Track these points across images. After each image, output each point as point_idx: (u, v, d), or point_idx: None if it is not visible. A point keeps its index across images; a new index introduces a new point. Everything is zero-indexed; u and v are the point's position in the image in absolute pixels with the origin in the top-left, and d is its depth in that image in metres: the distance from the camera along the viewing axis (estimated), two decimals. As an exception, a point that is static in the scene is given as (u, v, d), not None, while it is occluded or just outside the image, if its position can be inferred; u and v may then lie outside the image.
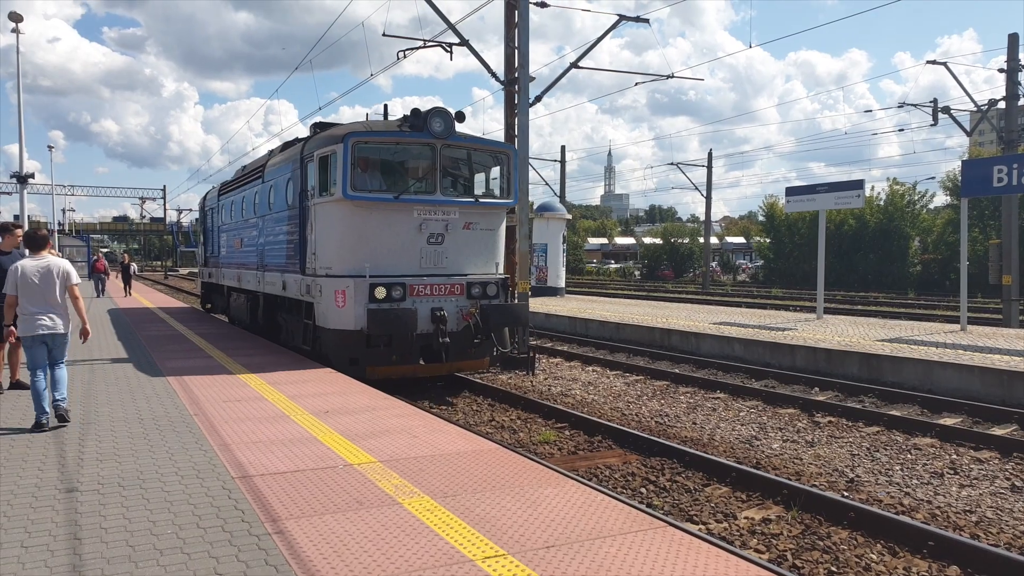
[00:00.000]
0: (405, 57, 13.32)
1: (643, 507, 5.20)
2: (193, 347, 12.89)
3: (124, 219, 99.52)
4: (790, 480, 7.20)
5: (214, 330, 15.80)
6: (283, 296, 12.78)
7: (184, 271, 76.20)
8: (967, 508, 6.76)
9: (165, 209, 77.81)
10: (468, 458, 5.93)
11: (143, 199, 76.59)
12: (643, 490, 7.23)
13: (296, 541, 4.18)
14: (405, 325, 10.05)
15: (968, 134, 22.24)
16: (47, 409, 6.79)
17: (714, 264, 64.99)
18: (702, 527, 6.23)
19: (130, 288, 29.90)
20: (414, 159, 11.17)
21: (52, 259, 7.05)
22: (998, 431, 9.26)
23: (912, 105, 21.61)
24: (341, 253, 10.57)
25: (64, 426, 6.92)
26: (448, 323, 10.57)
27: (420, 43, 13.29)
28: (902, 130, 27.50)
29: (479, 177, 11.76)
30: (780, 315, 21.76)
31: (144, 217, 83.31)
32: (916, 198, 46.98)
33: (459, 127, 11.08)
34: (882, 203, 47.33)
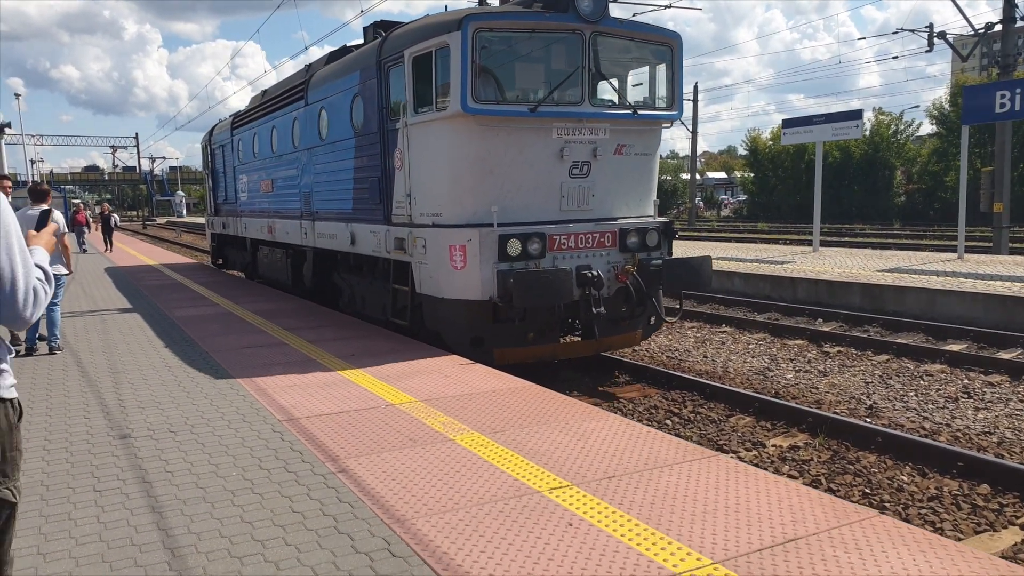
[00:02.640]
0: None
1: (704, 444, 5.32)
2: (240, 323, 10.25)
3: (95, 169, 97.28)
4: (812, 408, 7.38)
5: (254, 297, 12.22)
6: (349, 253, 10.17)
7: (161, 220, 74.99)
8: (986, 430, 6.98)
9: (139, 158, 76.15)
10: (504, 395, 6.00)
11: (114, 148, 74.72)
12: (668, 422, 7.38)
13: (362, 478, 4.24)
14: (557, 292, 7.26)
15: (964, 59, 22.09)
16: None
17: (697, 200, 64.99)
18: (733, 455, 6.40)
19: (111, 242, 27.09)
20: (553, 54, 8.15)
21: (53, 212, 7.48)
22: (1005, 355, 9.52)
23: (909, 31, 21.38)
24: (456, 193, 7.75)
25: (56, 355, 7.98)
26: (602, 287, 7.87)
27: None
28: (896, 57, 27.33)
29: (630, 78, 8.77)
30: (774, 249, 21.93)
31: (116, 167, 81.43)
32: (902, 128, 46.93)
33: (613, 7, 8.09)
34: (867, 134, 47.26)
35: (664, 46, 8.55)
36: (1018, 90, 14.29)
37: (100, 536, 3.59)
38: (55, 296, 7.50)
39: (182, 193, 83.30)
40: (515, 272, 7.25)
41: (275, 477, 4.30)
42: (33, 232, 2.65)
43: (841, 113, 17.13)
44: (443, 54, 7.51)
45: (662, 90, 8.68)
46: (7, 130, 30.90)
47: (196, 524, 3.70)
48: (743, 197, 62.99)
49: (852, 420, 6.93)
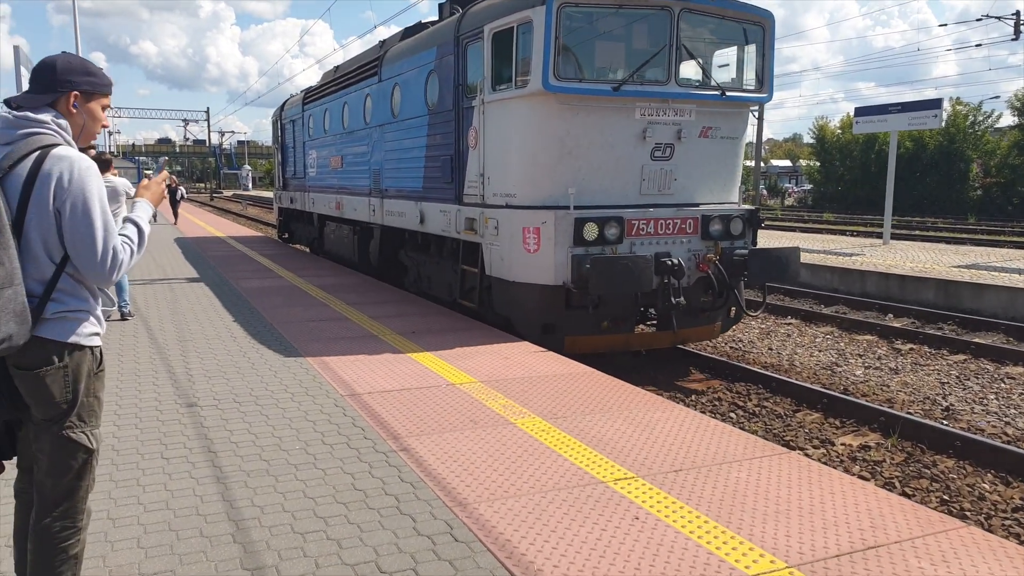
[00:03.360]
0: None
1: (769, 439, 5.14)
2: (304, 296, 10.31)
3: (167, 141, 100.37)
4: (884, 407, 7.08)
5: (319, 271, 12.36)
6: (417, 231, 10.12)
7: (228, 193, 76.98)
8: (1073, 438, 6.59)
9: (209, 132, 78.07)
10: (565, 380, 5.90)
11: (186, 121, 76.85)
12: (732, 415, 7.19)
13: (423, 458, 4.21)
14: (635, 280, 6.94)
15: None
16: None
17: (761, 188, 63.41)
18: (799, 452, 6.18)
19: (177, 214, 27.09)
20: (638, 31, 7.83)
21: (116, 179, 8.10)
22: (1092, 361, 8.97)
23: (995, 17, 20.21)
24: (532, 173, 7.53)
25: (127, 320, 8.21)
26: (682, 276, 7.56)
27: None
28: (979, 45, 25.86)
29: (717, 58, 8.39)
30: (841, 240, 21.19)
31: (187, 140, 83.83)
32: (980, 119, 44.73)
33: None
34: (943, 124, 45.25)
35: (756, 25, 8.15)
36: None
37: (167, 504, 3.64)
38: None
39: (248, 167, 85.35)
40: (591, 257, 7.02)
41: (337, 453, 4.31)
42: (145, 182, 2.69)
43: (918, 102, 16.34)
44: (525, 29, 7.29)
45: (751, 71, 8.30)
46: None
47: (259, 497, 3.72)
48: (808, 186, 61.18)
49: (928, 421, 6.62)
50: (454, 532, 3.37)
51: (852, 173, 48.55)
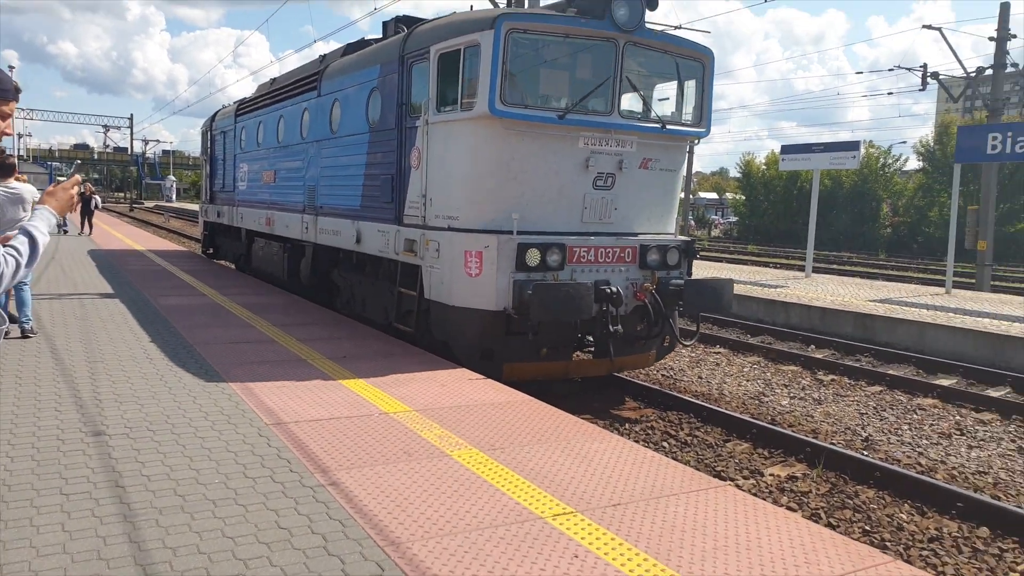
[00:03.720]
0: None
1: (701, 470, 5.15)
2: (229, 316, 10.20)
3: (85, 147, 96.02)
4: (809, 438, 7.25)
5: (245, 289, 11.94)
6: (353, 251, 9.84)
7: (150, 204, 73.99)
8: (980, 469, 6.88)
9: (132, 139, 75.00)
10: (503, 409, 5.79)
11: (107, 127, 73.61)
12: (665, 444, 7.22)
13: (354, 493, 4.02)
14: (576, 307, 6.92)
15: (955, 100, 22.29)
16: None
17: (689, 218, 65.20)
18: (731, 483, 6.24)
19: (91, 225, 24.65)
20: (584, 61, 7.89)
21: (21, 185, 7.51)
22: (994, 393, 9.46)
23: (905, 68, 21.54)
24: (475, 197, 7.47)
25: (29, 339, 7.60)
26: (620, 304, 7.56)
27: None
28: (890, 93, 27.80)
29: (657, 92, 8.52)
30: (766, 272, 21.91)
31: (107, 147, 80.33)
32: (890, 161, 47.43)
33: (648, 17, 7.80)
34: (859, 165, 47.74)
35: (696, 61, 8.35)
36: (1009, 133, 14.36)
37: (64, 547, 3.32)
38: (25, 279, 7.16)
39: (173, 178, 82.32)
40: (534, 283, 6.96)
41: (260, 487, 4.06)
42: (52, 188, 2.45)
43: (839, 143, 17.16)
44: (472, 52, 7.27)
45: (690, 106, 8.48)
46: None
47: (172, 538, 3.45)
48: (733, 219, 63.31)
49: (850, 452, 6.80)
50: (386, 574, 3.19)
51: (775, 207, 50.52)
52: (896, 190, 47.30)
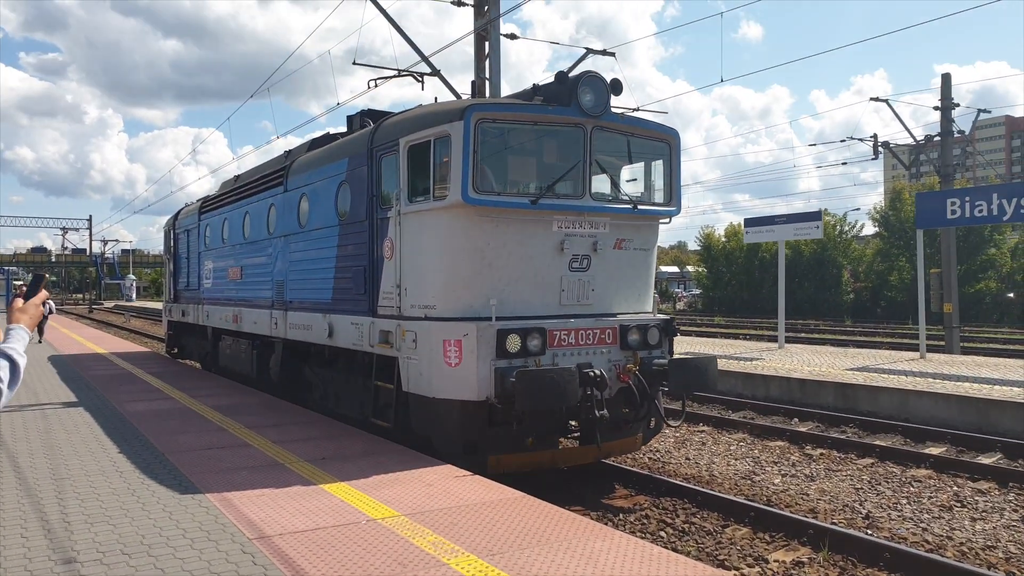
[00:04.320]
0: (377, 86, 12.99)
1: (704, 560, 4.92)
2: (199, 420, 9.88)
3: (42, 250, 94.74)
4: (808, 518, 7.05)
5: (214, 390, 11.49)
6: (325, 345, 9.61)
7: (109, 304, 72.65)
8: (989, 544, 6.72)
9: (91, 240, 74.36)
10: (496, 509, 5.53)
11: (65, 229, 72.97)
12: (662, 534, 6.95)
13: (350, 616, 3.71)
14: (562, 393, 6.70)
15: (907, 167, 23.23)
16: None
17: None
18: (736, 572, 5.99)
19: (42, 330, 22.21)
20: (554, 147, 7.99)
21: None
22: (986, 460, 9.40)
23: (857, 139, 22.49)
24: (452, 285, 7.38)
25: None
26: (604, 387, 7.37)
27: (393, 72, 12.96)
28: (844, 163, 29.08)
29: (626, 173, 8.61)
30: (738, 344, 22.01)
31: (65, 248, 79.38)
32: (847, 229, 48.95)
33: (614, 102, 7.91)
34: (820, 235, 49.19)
35: (663, 142, 8.50)
36: (967, 198, 14.91)
37: None
38: None
39: (133, 277, 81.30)
40: (517, 370, 6.79)
41: (249, 614, 3.74)
42: (20, 302, 2.27)
43: (801, 214, 17.64)
44: (443, 143, 7.31)
45: (659, 185, 8.59)
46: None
47: None
48: (696, 291, 64.25)
49: (856, 533, 6.61)
50: None
51: (737, 279, 51.53)
52: (855, 256, 48.67)
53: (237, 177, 14.64)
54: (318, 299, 9.89)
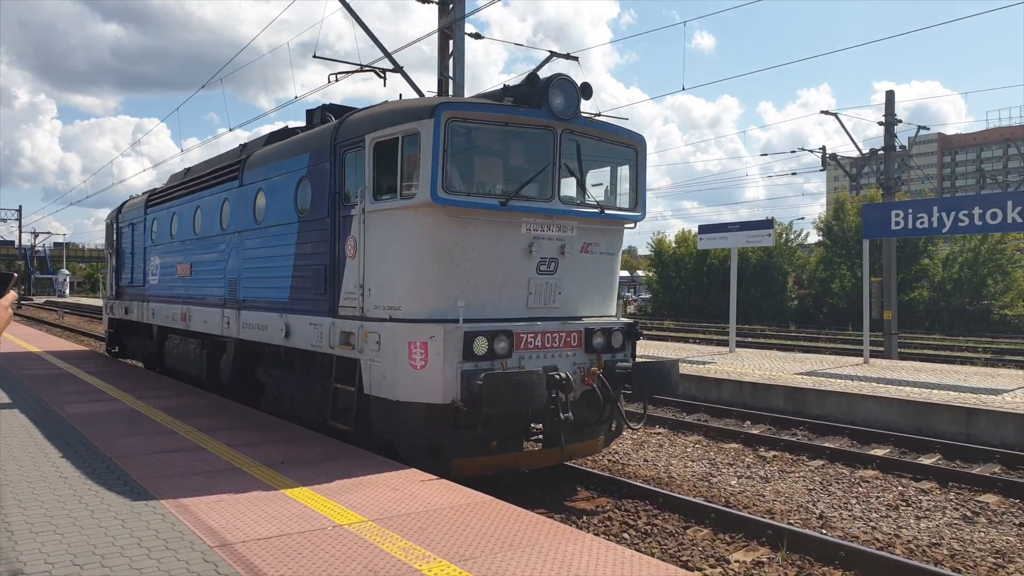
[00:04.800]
0: (337, 80, 12.77)
1: (677, 563, 4.95)
2: (147, 422, 9.39)
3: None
4: (766, 519, 7.18)
5: (160, 391, 11.27)
6: (281, 346, 9.39)
7: (39, 300, 69.68)
8: (934, 541, 6.96)
9: (20, 232, 71.21)
10: (465, 513, 5.47)
11: (-9, 220, 69.68)
12: (626, 535, 6.99)
13: (322, 625, 3.61)
14: (529, 396, 6.72)
15: (852, 179, 24.04)
16: None
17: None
18: (698, 573, 6.05)
19: None
20: (523, 149, 7.94)
21: None
22: (927, 461, 9.75)
23: (808, 150, 23.17)
24: (419, 286, 7.27)
25: None
26: (570, 390, 7.39)
27: (356, 67, 12.76)
28: (794, 173, 30.16)
29: (592, 177, 8.60)
30: (690, 348, 22.37)
31: (-10, 240, 75.87)
32: (792, 237, 50.30)
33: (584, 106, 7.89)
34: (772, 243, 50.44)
35: (630, 148, 8.57)
36: (910, 210, 15.45)
37: None
38: None
39: (66, 271, 78.15)
40: (485, 373, 6.75)
41: (216, 625, 3.60)
42: None
43: (754, 222, 18.05)
44: (411, 141, 7.19)
45: (625, 190, 8.64)
46: None
47: None
48: (647, 296, 65.14)
49: (812, 533, 6.76)
50: None
51: (686, 284, 52.37)
52: (800, 264, 49.99)
53: (187, 170, 14.16)
54: (274, 298, 9.63)
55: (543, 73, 8.07)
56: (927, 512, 7.84)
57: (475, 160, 7.84)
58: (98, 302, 48.59)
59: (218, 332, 11.28)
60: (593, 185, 8.65)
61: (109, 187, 71.99)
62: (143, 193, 16.63)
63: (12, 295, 2.26)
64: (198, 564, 4.36)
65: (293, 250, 9.21)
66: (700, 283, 50.93)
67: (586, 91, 7.85)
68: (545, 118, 7.61)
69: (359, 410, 7.80)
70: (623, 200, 8.70)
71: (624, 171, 8.69)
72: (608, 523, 7.30)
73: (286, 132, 10.90)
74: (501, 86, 8.05)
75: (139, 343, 16.55)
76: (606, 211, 8.25)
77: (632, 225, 8.79)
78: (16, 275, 3.05)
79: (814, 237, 51.66)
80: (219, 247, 11.50)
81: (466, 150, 7.60)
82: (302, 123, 10.80)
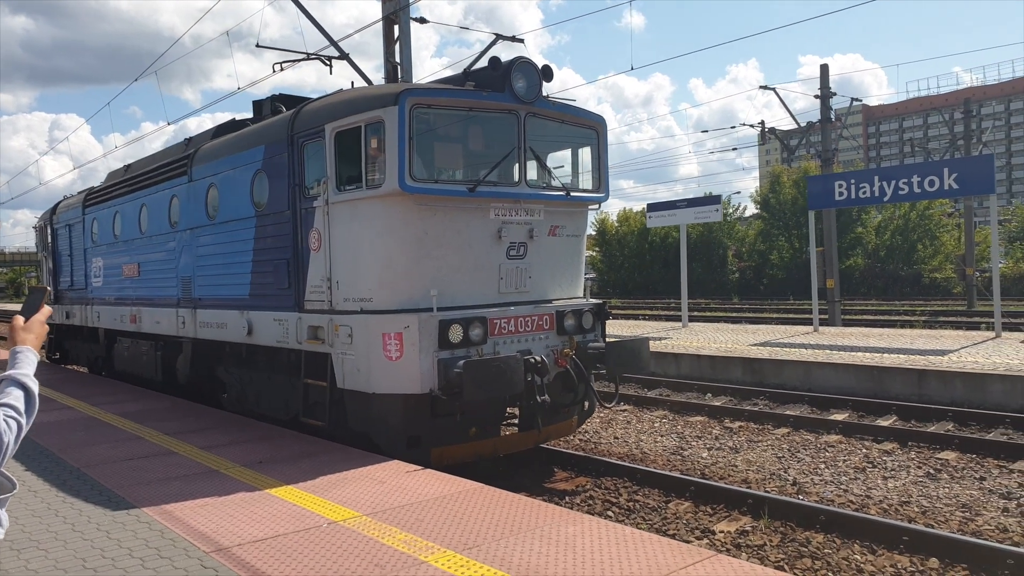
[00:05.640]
0: (283, 69, 12.38)
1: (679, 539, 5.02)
2: (108, 429, 9.38)
3: None
4: (744, 488, 7.38)
5: (115, 396, 11.17)
6: (242, 344, 9.18)
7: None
8: (903, 500, 7.26)
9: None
10: (458, 501, 5.45)
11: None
12: (610, 513, 7.08)
13: (341, 625, 3.55)
14: (509, 381, 6.74)
15: (791, 152, 24.70)
16: None
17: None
18: (696, 543, 6.17)
19: None
20: (488, 134, 7.91)
21: None
22: (884, 423, 10.15)
23: (749, 125, 23.73)
24: (390, 276, 7.18)
25: None
26: (545, 373, 7.41)
27: (302, 55, 12.40)
28: (735, 148, 30.94)
29: (555, 160, 8.59)
30: (642, 325, 22.72)
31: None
32: (731, 211, 51.44)
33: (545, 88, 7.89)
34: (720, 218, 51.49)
35: (591, 129, 8.61)
36: (852, 180, 15.96)
37: None
38: None
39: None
40: (464, 361, 6.72)
41: (230, 633, 3.50)
42: (20, 320, 1.99)
43: (702, 199, 18.38)
44: (375, 129, 7.06)
45: (589, 172, 8.69)
46: None
47: None
48: (592, 275, 65.87)
49: (791, 499, 6.97)
50: None
51: (630, 262, 53.13)
52: (739, 237, 51.21)
53: (128, 167, 13.62)
54: (233, 295, 9.36)
55: (489, 56, 8.01)
56: (892, 472, 8.17)
57: (441, 146, 7.77)
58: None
59: (173, 332, 10.96)
60: (556, 168, 8.68)
61: (33, 189, 68.46)
62: (79, 193, 15.97)
63: (47, 310, 2.13)
64: (196, 570, 4.22)
65: (252, 245, 8.97)
66: (643, 260, 51.77)
67: (547, 74, 7.85)
68: (509, 102, 7.60)
69: (332, 405, 7.69)
70: (586, 181, 8.74)
71: (586, 152, 8.75)
72: (591, 502, 7.39)
73: (234, 124, 10.62)
74: (440, 71, 8.00)
75: (83, 348, 15.96)
76: (572, 193, 8.30)
77: (597, 206, 8.85)
78: (49, 289, 2.88)
79: (752, 210, 52.98)
80: (169, 245, 11.13)
81: (431, 136, 7.51)
82: (235, 115, 10.50)
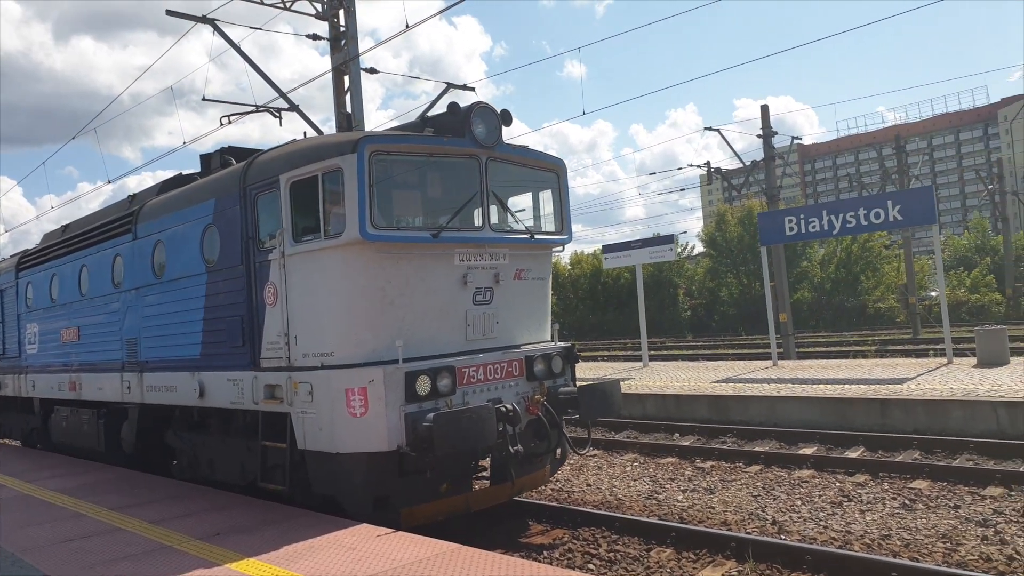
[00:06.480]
0: (231, 123, 12.10)
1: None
2: (46, 507, 9.17)
3: None
4: (725, 531, 7.18)
5: (52, 470, 10.72)
6: (193, 407, 8.79)
7: None
8: (884, 533, 7.16)
9: None
10: (438, 565, 5.11)
11: None
12: (591, 566, 6.79)
13: None
14: (481, 433, 6.49)
15: (738, 191, 25.29)
16: None
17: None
18: (674, 597, 5.92)
19: None
20: (449, 179, 7.81)
21: None
22: (853, 454, 10.14)
23: (696, 166, 24.27)
24: (352, 328, 6.88)
25: None
26: (517, 422, 7.17)
27: (251, 108, 12.16)
28: (683, 189, 31.75)
29: (516, 203, 8.49)
30: (605, 366, 22.62)
31: None
32: (680, 250, 52.38)
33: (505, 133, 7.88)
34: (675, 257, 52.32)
35: (551, 172, 8.53)
36: (801, 215, 16.33)
37: None
38: None
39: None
40: (435, 414, 6.40)
41: None
42: None
43: (657, 239, 18.59)
44: (332, 178, 6.84)
45: (551, 215, 8.59)
46: None
47: None
48: (546, 318, 65.98)
49: (774, 540, 6.79)
50: None
51: (584, 303, 53.42)
52: (688, 275, 52.07)
53: (66, 227, 13.02)
54: (183, 356, 8.88)
55: (445, 104, 7.94)
56: (869, 505, 8.10)
57: (401, 193, 7.58)
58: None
59: (117, 398, 10.34)
60: (518, 211, 8.58)
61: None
62: (11, 256, 15.21)
63: None
64: (152, 668, 3.79)
65: (203, 303, 8.55)
66: (597, 302, 52.11)
67: (506, 118, 7.82)
68: (469, 146, 7.49)
69: (293, 467, 7.27)
70: (549, 224, 8.64)
71: (547, 195, 8.65)
72: (570, 555, 7.09)
73: (181, 179, 10.30)
74: (388, 123, 7.89)
75: (15, 419, 15.00)
76: (536, 236, 8.16)
77: (560, 248, 8.74)
78: None
79: (699, 248, 54.05)
80: (112, 306, 10.56)
81: (391, 184, 7.31)
82: (178, 171, 10.19)
